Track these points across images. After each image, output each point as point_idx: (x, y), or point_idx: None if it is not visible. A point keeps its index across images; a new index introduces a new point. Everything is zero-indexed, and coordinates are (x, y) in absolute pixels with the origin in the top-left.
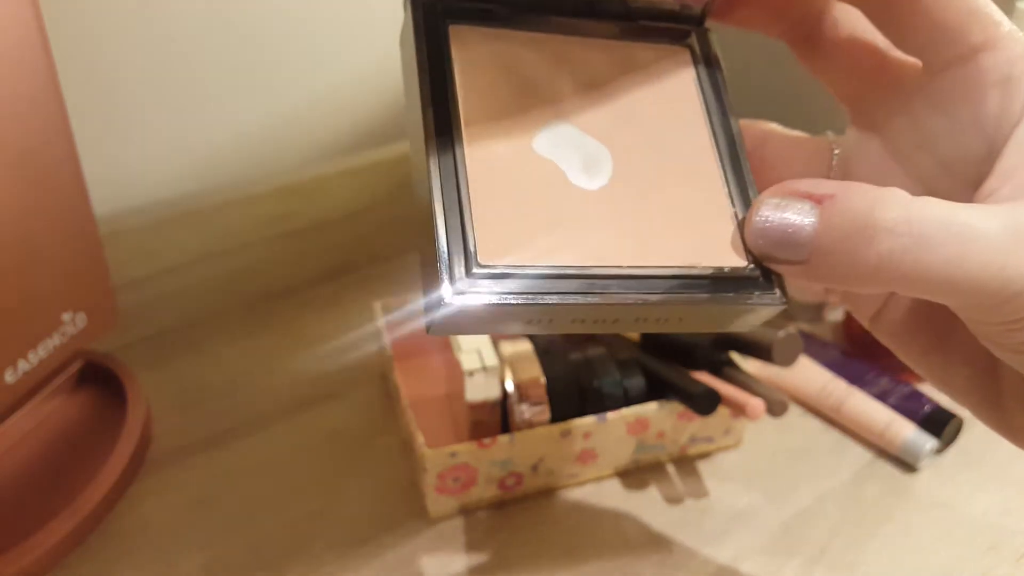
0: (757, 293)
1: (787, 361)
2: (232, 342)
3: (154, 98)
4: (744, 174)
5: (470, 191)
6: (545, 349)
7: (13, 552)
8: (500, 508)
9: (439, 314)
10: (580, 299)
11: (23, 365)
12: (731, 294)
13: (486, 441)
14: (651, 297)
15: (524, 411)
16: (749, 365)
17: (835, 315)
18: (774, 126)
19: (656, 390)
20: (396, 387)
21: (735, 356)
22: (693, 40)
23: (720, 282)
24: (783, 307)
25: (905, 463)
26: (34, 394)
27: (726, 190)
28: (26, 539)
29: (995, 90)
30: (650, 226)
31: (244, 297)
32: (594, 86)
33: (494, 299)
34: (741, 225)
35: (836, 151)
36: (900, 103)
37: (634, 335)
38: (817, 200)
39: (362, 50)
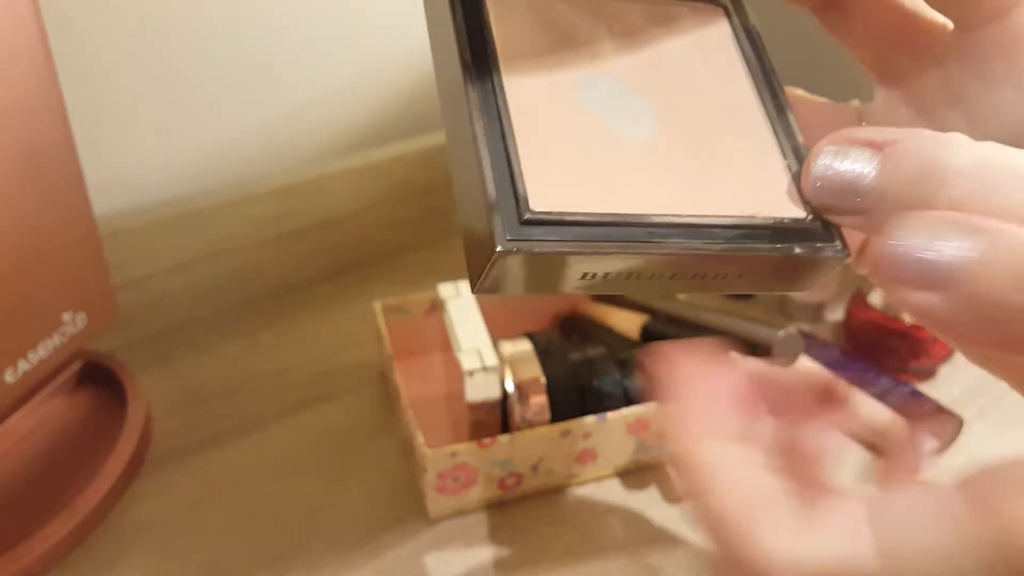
0: (819, 244)
1: (787, 361)
2: (232, 342)
3: (154, 98)
4: (792, 127)
5: (515, 137)
6: (545, 349)
7: (13, 552)
8: (500, 508)
9: (490, 268)
10: (640, 247)
11: (23, 365)
12: (793, 245)
13: (486, 441)
14: (714, 246)
15: (524, 411)
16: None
17: (835, 315)
18: (800, 92)
19: None
20: (396, 387)
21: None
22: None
23: (781, 233)
24: (846, 258)
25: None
26: (34, 394)
27: (776, 143)
28: (26, 539)
29: None
30: (703, 176)
31: (244, 297)
32: (633, 41)
33: (548, 248)
34: (797, 176)
35: (863, 122)
36: (930, 63)
37: (634, 333)
38: (878, 147)
39: (362, 50)
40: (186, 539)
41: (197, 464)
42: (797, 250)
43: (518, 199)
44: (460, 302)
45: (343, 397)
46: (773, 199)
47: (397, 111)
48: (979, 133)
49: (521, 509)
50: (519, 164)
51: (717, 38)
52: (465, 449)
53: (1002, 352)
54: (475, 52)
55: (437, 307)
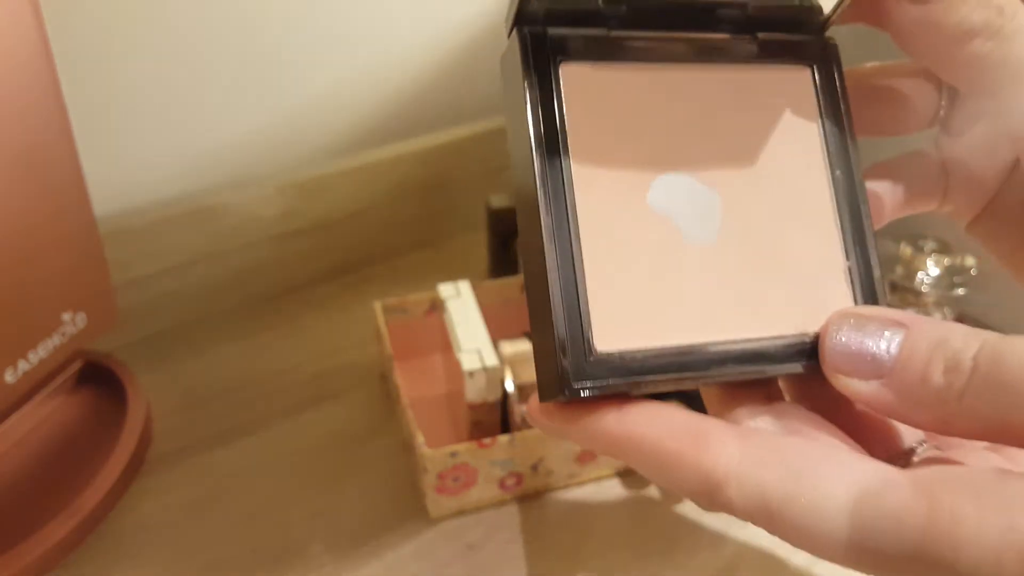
0: None
1: None
2: (232, 342)
3: (154, 98)
4: (862, 219)
5: (586, 270)
6: None
7: (13, 552)
8: (500, 508)
9: (555, 401)
10: (696, 376)
11: (23, 365)
12: None
13: (486, 441)
14: (767, 370)
15: (524, 411)
16: None
17: None
18: (869, 67)
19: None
20: (396, 387)
21: None
22: (816, 55)
23: None
24: None
25: None
26: (34, 394)
27: (840, 237)
28: (26, 539)
29: None
30: (760, 287)
31: (244, 297)
32: (709, 124)
33: (610, 389)
34: (855, 286)
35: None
36: None
37: None
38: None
39: (362, 50)
40: (186, 539)
41: (197, 464)
42: None
43: (584, 340)
44: (460, 302)
45: (343, 397)
46: (825, 311)
47: (397, 111)
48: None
49: (521, 509)
50: (587, 302)
51: (801, 110)
52: (465, 449)
53: (940, 433)
54: (550, 156)
55: (437, 307)
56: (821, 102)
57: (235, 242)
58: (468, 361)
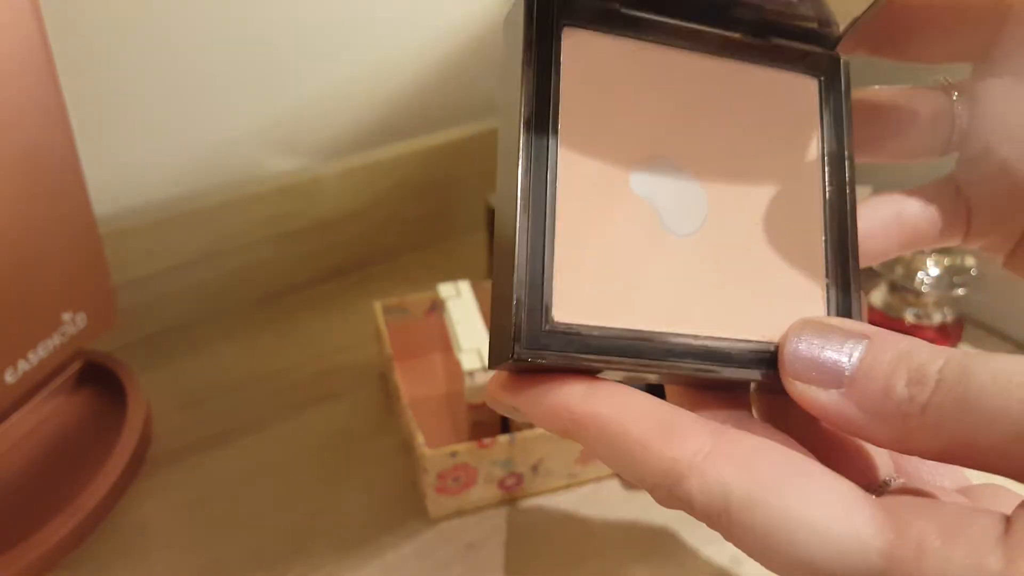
0: None
1: None
2: (232, 342)
3: (154, 98)
4: (848, 238)
5: (556, 239)
6: None
7: (13, 552)
8: (500, 508)
9: (503, 365)
10: (653, 365)
11: (23, 365)
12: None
13: (486, 441)
14: (724, 371)
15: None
16: None
17: None
18: (877, 90)
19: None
20: (396, 387)
21: None
22: (825, 70)
23: None
24: None
25: None
26: (34, 394)
27: (824, 253)
28: (26, 539)
29: None
30: (733, 288)
31: (244, 297)
32: (707, 116)
33: (561, 360)
34: (830, 302)
35: (955, 95)
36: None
37: None
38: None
39: (362, 50)
40: (186, 539)
41: (197, 464)
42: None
43: (543, 307)
44: (460, 302)
45: (343, 397)
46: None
47: (397, 111)
48: None
49: (521, 509)
50: (552, 269)
51: (803, 119)
52: (465, 449)
53: (899, 451)
54: (538, 122)
55: (437, 307)
56: (824, 115)
57: (235, 242)
58: (468, 361)
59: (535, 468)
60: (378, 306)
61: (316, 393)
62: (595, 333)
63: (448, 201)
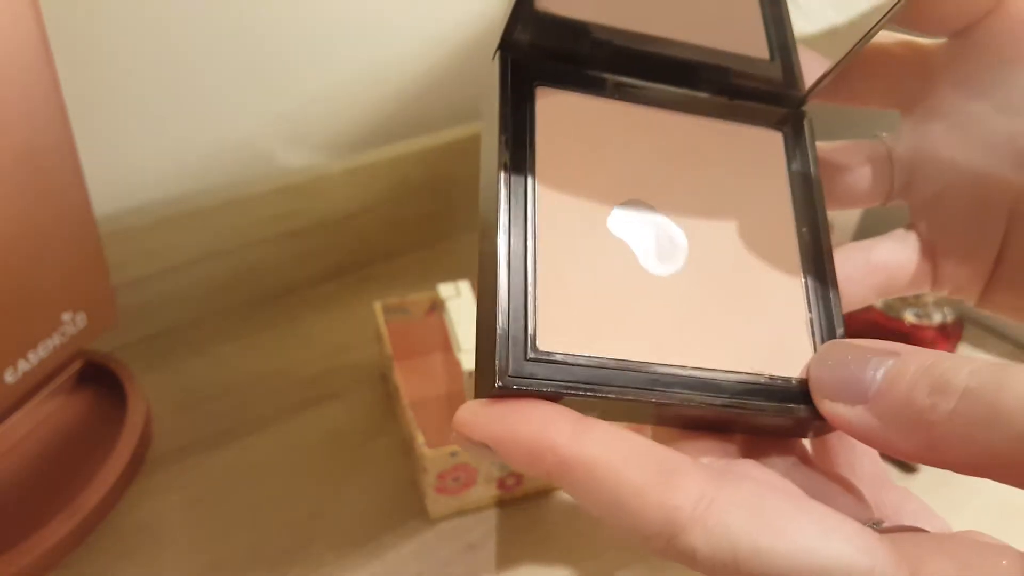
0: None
1: None
2: (232, 342)
3: (154, 98)
4: (826, 275)
5: (537, 270)
6: None
7: (13, 552)
8: (500, 508)
9: (489, 395)
10: (638, 395)
11: (23, 365)
12: (798, 405)
13: None
14: (714, 402)
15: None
16: None
17: None
18: (825, 145)
19: None
20: (396, 387)
21: None
22: (789, 124)
23: (785, 393)
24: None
25: (904, 463)
26: (34, 394)
27: (804, 294)
28: (26, 539)
29: None
30: (718, 322)
31: (244, 297)
32: (679, 165)
33: (547, 388)
34: (815, 335)
35: (893, 153)
36: (933, 80)
37: None
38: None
39: (362, 50)
40: (186, 539)
41: (197, 464)
42: (797, 412)
43: (527, 336)
44: (460, 302)
45: (343, 397)
46: (785, 356)
47: (397, 111)
48: (966, 146)
49: (521, 509)
50: (535, 300)
51: (769, 170)
52: None
53: (925, 462)
54: (514, 168)
55: (437, 307)
56: (791, 165)
57: (235, 242)
58: (468, 361)
59: None
60: (378, 306)
61: (316, 393)
62: (581, 363)
63: (448, 201)
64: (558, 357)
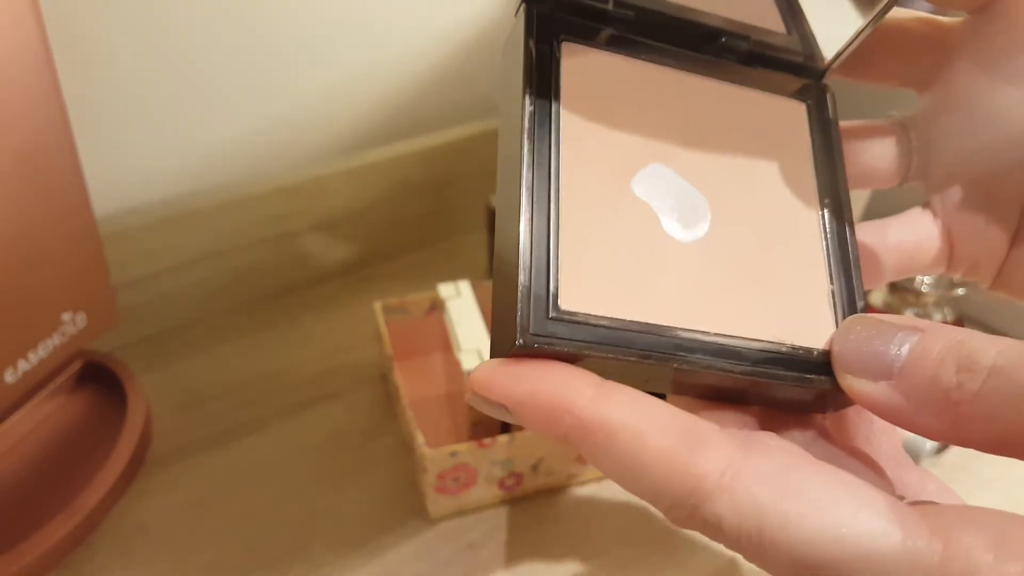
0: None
1: None
2: (232, 342)
3: (154, 98)
4: (848, 248)
5: (560, 229)
6: None
7: (13, 552)
8: (500, 508)
9: (511, 354)
10: (660, 359)
11: (23, 365)
12: (820, 376)
13: (486, 441)
14: (735, 368)
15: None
16: None
17: None
18: (840, 124)
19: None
20: (396, 387)
21: None
22: (812, 95)
23: (806, 364)
24: None
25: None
26: (34, 394)
27: (825, 264)
28: (26, 539)
29: None
30: (741, 290)
31: (244, 297)
32: (703, 131)
33: (568, 348)
34: (836, 307)
35: (912, 134)
36: (952, 59)
37: None
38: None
39: (362, 50)
40: (186, 539)
41: (197, 464)
42: (819, 384)
43: (549, 294)
44: (460, 302)
45: (343, 397)
46: (807, 326)
47: (397, 111)
48: (983, 127)
49: (521, 509)
50: (557, 258)
51: (792, 139)
52: (465, 449)
53: (951, 442)
54: (538, 126)
55: (437, 307)
56: (814, 137)
57: (235, 242)
58: (468, 361)
59: (535, 468)
60: (378, 306)
61: (316, 393)
62: (603, 324)
63: (448, 201)
64: (580, 317)
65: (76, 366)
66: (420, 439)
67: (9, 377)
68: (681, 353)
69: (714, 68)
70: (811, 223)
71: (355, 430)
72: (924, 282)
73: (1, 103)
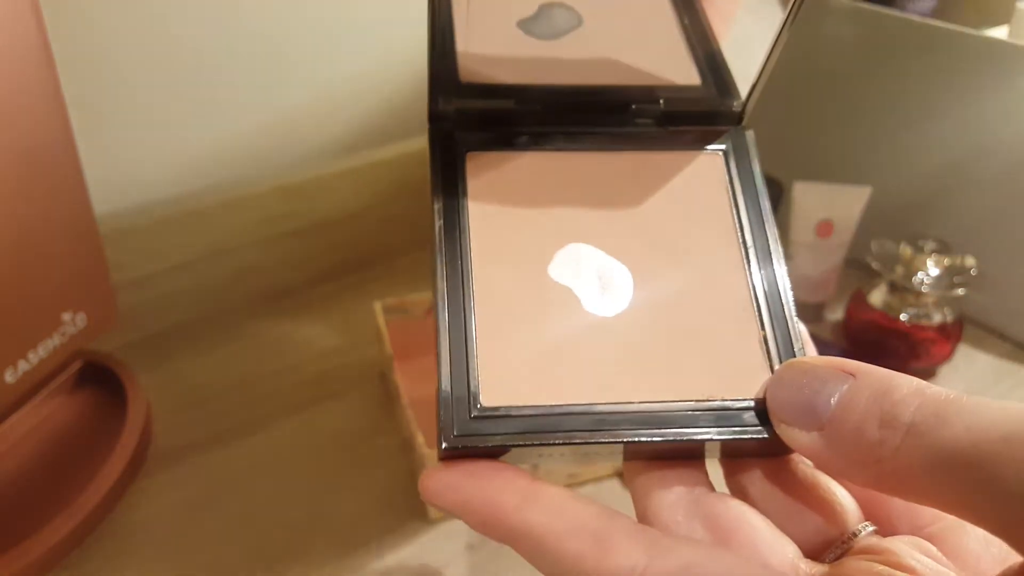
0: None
1: None
2: (232, 342)
3: (155, 98)
4: (779, 290)
5: (477, 330)
6: None
7: (13, 552)
8: None
9: (440, 455)
10: (586, 437)
11: (23, 365)
12: (753, 428)
13: None
14: (660, 432)
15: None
16: None
17: (835, 315)
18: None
19: None
20: (396, 387)
21: None
22: (728, 142)
23: (740, 417)
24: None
25: None
26: (34, 394)
27: (754, 309)
28: (26, 539)
29: None
30: (670, 352)
31: (244, 297)
32: (619, 203)
33: (493, 442)
34: (769, 356)
35: None
36: None
37: None
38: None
39: (362, 50)
40: (186, 539)
41: (197, 464)
42: (751, 437)
43: (470, 394)
44: None
45: (343, 397)
46: (741, 378)
47: (397, 111)
48: None
49: None
50: (475, 358)
51: (710, 193)
52: None
53: (877, 490)
54: (448, 234)
55: None
56: (734, 184)
57: (235, 242)
58: None
59: (534, 468)
60: (378, 306)
61: (316, 393)
62: (526, 412)
63: None
64: (502, 411)
65: (76, 366)
66: (420, 439)
67: (9, 377)
68: (605, 428)
69: (628, 139)
70: (737, 271)
71: (355, 430)
72: (924, 282)
73: (2, 103)
